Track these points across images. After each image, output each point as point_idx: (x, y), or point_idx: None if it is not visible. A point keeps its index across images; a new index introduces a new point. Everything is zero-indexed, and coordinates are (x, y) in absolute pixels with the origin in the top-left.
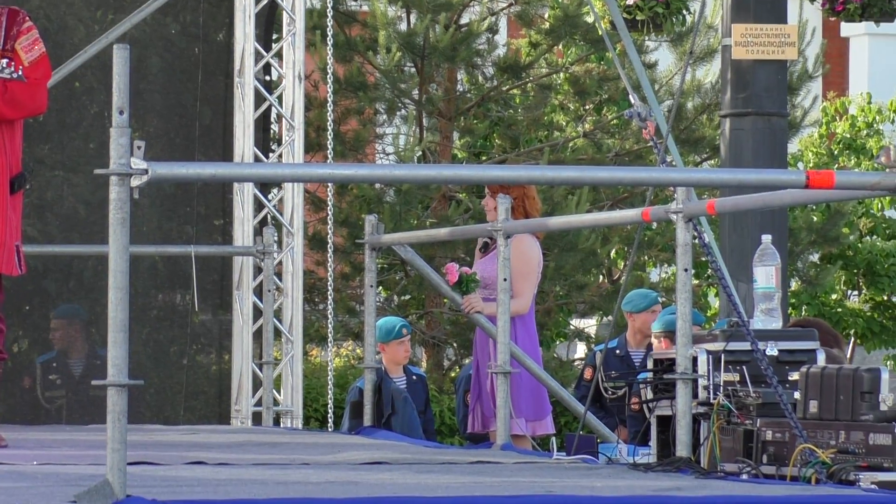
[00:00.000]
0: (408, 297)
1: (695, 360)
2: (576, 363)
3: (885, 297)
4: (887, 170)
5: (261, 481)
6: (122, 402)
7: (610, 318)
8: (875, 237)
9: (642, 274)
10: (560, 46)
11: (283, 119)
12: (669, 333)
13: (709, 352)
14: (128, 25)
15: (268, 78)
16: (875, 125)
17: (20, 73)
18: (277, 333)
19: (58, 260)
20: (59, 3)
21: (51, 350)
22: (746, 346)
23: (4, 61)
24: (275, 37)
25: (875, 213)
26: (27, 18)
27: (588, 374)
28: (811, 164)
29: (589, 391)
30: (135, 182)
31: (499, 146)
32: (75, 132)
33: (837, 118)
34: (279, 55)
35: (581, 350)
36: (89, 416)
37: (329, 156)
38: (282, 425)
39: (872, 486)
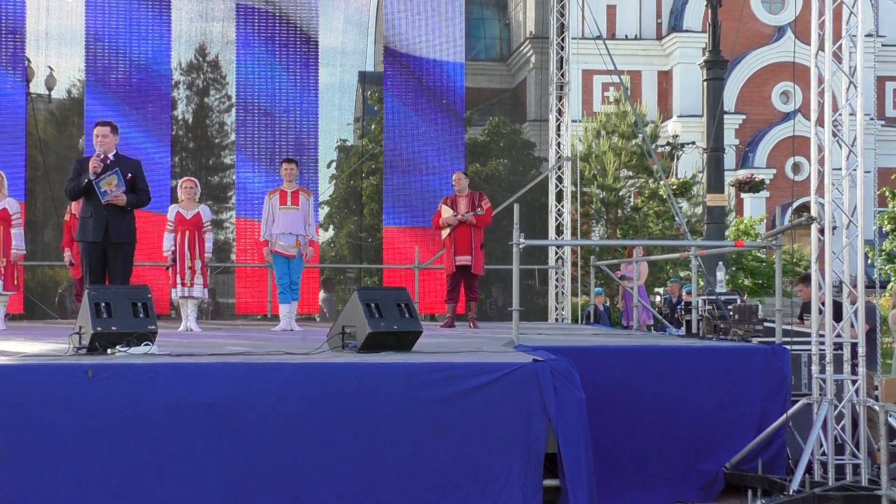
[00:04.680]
0: (602, 281)
1: (698, 302)
2: (657, 300)
3: (756, 282)
4: (759, 240)
5: (566, 341)
6: (517, 318)
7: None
8: (753, 262)
9: (678, 274)
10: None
11: (564, 229)
12: (689, 292)
13: (703, 299)
14: (515, 196)
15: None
16: (755, 227)
17: (483, 211)
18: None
19: (490, 270)
20: (492, 192)
21: (490, 297)
22: (714, 297)
23: (479, 209)
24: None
25: (755, 254)
26: (485, 194)
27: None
28: (733, 238)
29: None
30: (521, 247)
31: (631, 234)
32: (499, 228)
33: (741, 225)
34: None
35: (658, 299)
36: (504, 319)
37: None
38: (562, 322)
39: (760, 343)
